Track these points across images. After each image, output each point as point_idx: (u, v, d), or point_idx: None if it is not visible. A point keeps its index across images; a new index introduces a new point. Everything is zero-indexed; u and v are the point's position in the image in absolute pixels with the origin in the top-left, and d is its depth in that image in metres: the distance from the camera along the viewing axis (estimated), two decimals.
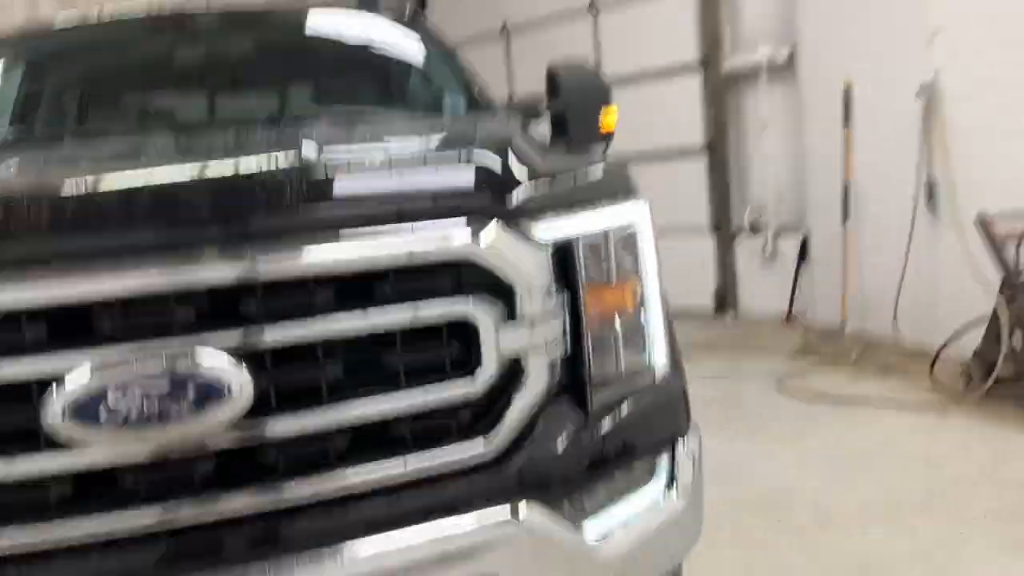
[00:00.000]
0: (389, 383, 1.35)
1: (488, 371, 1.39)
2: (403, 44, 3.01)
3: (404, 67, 2.99)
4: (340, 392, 1.32)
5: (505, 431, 1.41)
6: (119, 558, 1.21)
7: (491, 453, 1.40)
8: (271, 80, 3.01)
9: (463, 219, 1.38)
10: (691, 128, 7.01)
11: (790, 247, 6.58)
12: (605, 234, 1.58)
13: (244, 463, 1.28)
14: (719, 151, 6.98)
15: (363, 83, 2.99)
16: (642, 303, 1.68)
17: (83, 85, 3.00)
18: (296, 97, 2.95)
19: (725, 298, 7.08)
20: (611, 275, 1.60)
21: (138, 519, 1.21)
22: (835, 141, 5.74)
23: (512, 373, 1.43)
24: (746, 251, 6.93)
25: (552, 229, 1.50)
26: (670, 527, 1.65)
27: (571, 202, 1.56)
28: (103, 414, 1.17)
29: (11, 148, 2.06)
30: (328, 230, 1.32)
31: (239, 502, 1.25)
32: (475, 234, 1.37)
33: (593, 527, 1.52)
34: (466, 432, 1.40)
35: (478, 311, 1.37)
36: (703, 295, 7.13)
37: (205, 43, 2.97)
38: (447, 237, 1.36)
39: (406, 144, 1.70)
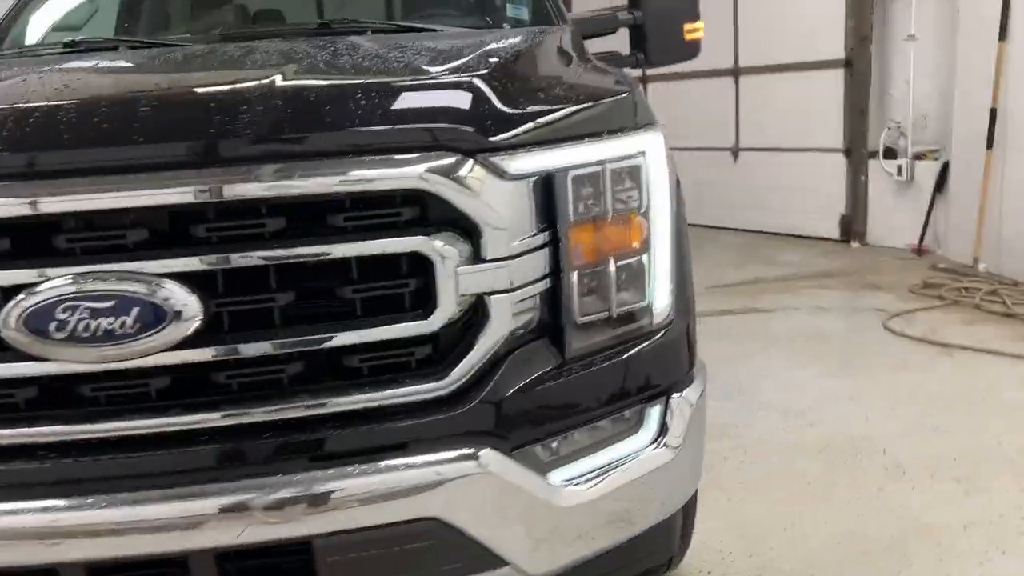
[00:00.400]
0: (343, 314, 1.34)
1: (446, 310, 1.35)
2: None
3: None
4: (290, 320, 1.32)
5: (462, 371, 1.37)
6: (76, 463, 1.29)
7: (445, 392, 1.37)
8: None
9: (425, 151, 1.33)
10: (830, 39, 6.46)
11: (927, 174, 6.05)
12: (598, 168, 1.48)
13: (197, 385, 1.32)
14: (859, 65, 6.41)
15: None
16: (646, 243, 1.57)
17: None
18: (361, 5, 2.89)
19: (852, 225, 6.63)
20: (605, 212, 1.50)
21: (89, 428, 1.28)
22: (989, 57, 5.15)
23: (476, 313, 1.39)
24: (879, 176, 6.42)
25: (532, 162, 1.41)
26: (657, 477, 1.58)
27: (560, 133, 1.46)
28: (52, 327, 1.23)
29: (67, 55, 2.13)
30: (286, 157, 1.30)
31: (186, 419, 1.30)
32: (432, 166, 1.31)
33: (564, 473, 1.49)
34: (423, 370, 1.38)
35: (434, 247, 1.33)
36: (829, 221, 6.72)
37: None
38: (401, 168, 1.31)
39: (400, 69, 1.63)
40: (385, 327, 1.34)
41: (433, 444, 1.37)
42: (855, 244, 6.56)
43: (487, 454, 1.37)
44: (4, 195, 1.25)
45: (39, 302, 1.23)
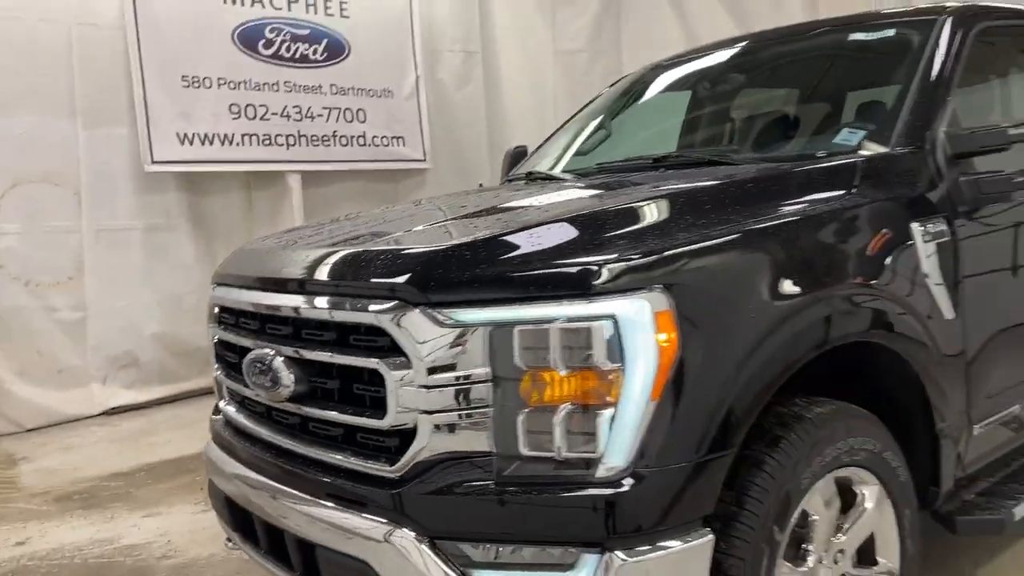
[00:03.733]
0: (341, 401, 1.93)
1: (392, 415, 1.80)
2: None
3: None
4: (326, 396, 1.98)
5: (404, 463, 1.80)
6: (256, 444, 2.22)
7: (395, 476, 1.81)
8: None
9: (389, 300, 1.80)
10: None
11: None
12: (545, 327, 1.68)
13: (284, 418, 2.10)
14: None
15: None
16: (602, 400, 1.68)
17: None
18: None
19: None
20: (553, 364, 1.69)
21: (259, 430, 2.19)
22: None
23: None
24: None
25: (472, 316, 1.72)
26: None
27: (503, 293, 1.72)
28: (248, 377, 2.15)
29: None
30: (323, 290, 1.97)
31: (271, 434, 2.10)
32: (385, 310, 1.78)
33: None
34: (383, 454, 1.85)
35: (385, 367, 1.79)
36: None
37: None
38: (369, 310, 1.81)
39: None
40: (359, 418, 1.87)
41: (380, 510, 1.84)
42: None
43: (402, 533, 1.78)
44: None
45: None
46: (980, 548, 2.97)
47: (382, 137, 6.87)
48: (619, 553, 1.67)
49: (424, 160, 7.13)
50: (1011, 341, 2.53)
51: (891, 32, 2.85)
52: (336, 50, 6.59)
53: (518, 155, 3.94)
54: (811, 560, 1.98)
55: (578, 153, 3.52)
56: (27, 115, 5.44)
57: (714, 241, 1.83)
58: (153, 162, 5.77)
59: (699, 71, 3.51)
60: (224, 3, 6.04)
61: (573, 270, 1.72)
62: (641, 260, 1.72)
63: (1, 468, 4.76)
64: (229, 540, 2.49)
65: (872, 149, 2.41)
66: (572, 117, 3.89)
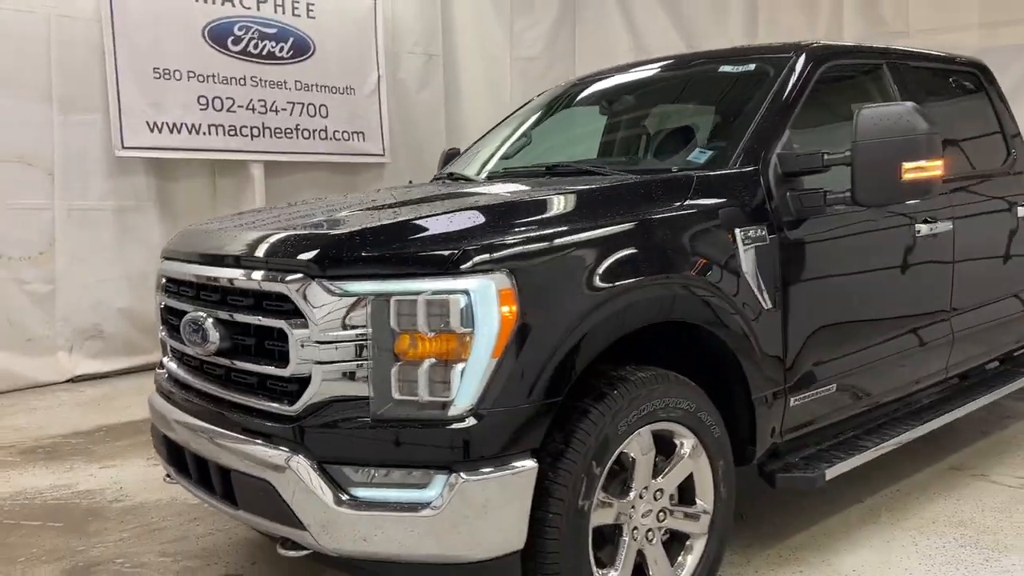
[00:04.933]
0: (255, 354, 2.40)
1: (293, 366, 2.27)
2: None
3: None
4: (245, 350, 2.44)
5: (301, 404, 2.26)
6: (189, 392, 2.68)
7: (293, 414, 2.27)
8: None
9: (295, 273, 2.27)
10: None
11: None
12: (411, 298, 2.16)
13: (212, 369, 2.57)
14: None
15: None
16: (456, 356, 2.16)
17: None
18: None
19: None
20: (420, 328, 2.16)
21: (194, 381, 2.66)
22: None
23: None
24: None
25: (359, 287, 2.19)
26: (422, 526, 2.16)
27: (385, 273, 2.20)
28: (184, 335, 2.60)
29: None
30: (247, 264, 2.43)
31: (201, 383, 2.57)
32: (291, 281, 2.25)
33: (364, 492, 2.22)
34: (286, 397, 2.32)
35: (288, 327, 2.25)
36: None
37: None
38: (278, 281, 2.28)
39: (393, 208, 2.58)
40: (266, 367, 2.34)
41: (282, 441, 2.31)
42: None
43: (298, 459, 2.24)
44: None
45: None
46: (820, 511, 3.49)
47: (343, 132, 7.31)
48: (462, 474, 2.15)
49: (383, 155, 7.59)
50: (825, 330, 3.03)
51: (752, 66, 3.35)
52: (302, 48, 7.03)
53: (450, 156, 4.42)
54: (632, 494, 2.47)
55: (501, 156, 4.00)
56: (3, 99, 5.83)
57: (552, 238, 2.32)
58: (124, 148, 6.19)
59: (603, 90, 4.01)
60: (196, 1, 6.45)
61: (438, 253, 2.20)
62: (492, 249, 2.21)
63: None
64: (168, 476, 2.94)
65: (712, 167, 2.91)
66: (499, 123, 4.36)
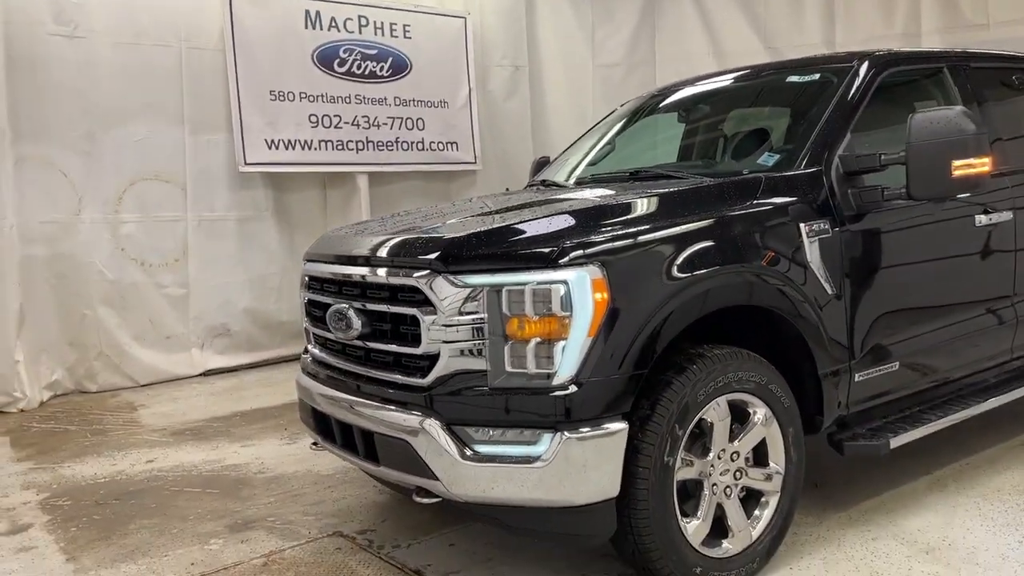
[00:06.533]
0: (391, 337, 2.90)
1: (424, 346, 2.75)
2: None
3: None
4: (382, 334, 2.94)
5: (432, 377, 2.74)
6: (333, 371, 3.21)
7: (426, 384, 2.76)
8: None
9: (424, 270, 2.75)
10: None
11: None
12: (520, 288, 2.61)
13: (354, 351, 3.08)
14: None
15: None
16: (558, 335, 2.60)
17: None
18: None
19: None
20: (527, 312, 2.61)
21: (337, 362, 3.17)
22: None
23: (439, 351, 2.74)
24: None
25: (476, 280, 2.66)
26: (533, 476, 2.61)
27: (494, 265, 2.66)
28: (330, 324, 3.12)
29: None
30: (382, 263, 2.93)
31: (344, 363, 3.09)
32: (421, 276, 2.74)
33: (476, 449, 2.69)
34: (419, 372, 2.80)
35: (420, 314, 2.74)
36: None
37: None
38: (411, 276, 2.77)
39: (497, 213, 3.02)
40: (403, 347, 2.84)
41: (416, 408, 2.80)
42: None
43: (429, 421, 2.73)
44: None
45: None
46: (890, 482, 3.80)
47: (438, 142, 7.87)
48: (566, 433, 2.60)
49: (475, 163, 8.12)
50: (886, 312, 3.35)
51: (817, 75, 3.69)
52: (400, 67, 7.61)
53: (541, 164, 4.88)
54: (711, 455, 2.87)
55: (588, 163, 4.43)
56: (144, 125, 6.59)
57: (637, 235, 2.74)
58: (246, 164, 6.88)
59: (680, 100, 4.40)
60: (305, 28, 7.10)
61: (540, 251, 2.66)
62: (585, 245, 2.65)
63: (125, 412, 5.90)
64: (315, 443, 3.48)
65: (780, 168, 3.27)
66: (585, 133, 4.79)
